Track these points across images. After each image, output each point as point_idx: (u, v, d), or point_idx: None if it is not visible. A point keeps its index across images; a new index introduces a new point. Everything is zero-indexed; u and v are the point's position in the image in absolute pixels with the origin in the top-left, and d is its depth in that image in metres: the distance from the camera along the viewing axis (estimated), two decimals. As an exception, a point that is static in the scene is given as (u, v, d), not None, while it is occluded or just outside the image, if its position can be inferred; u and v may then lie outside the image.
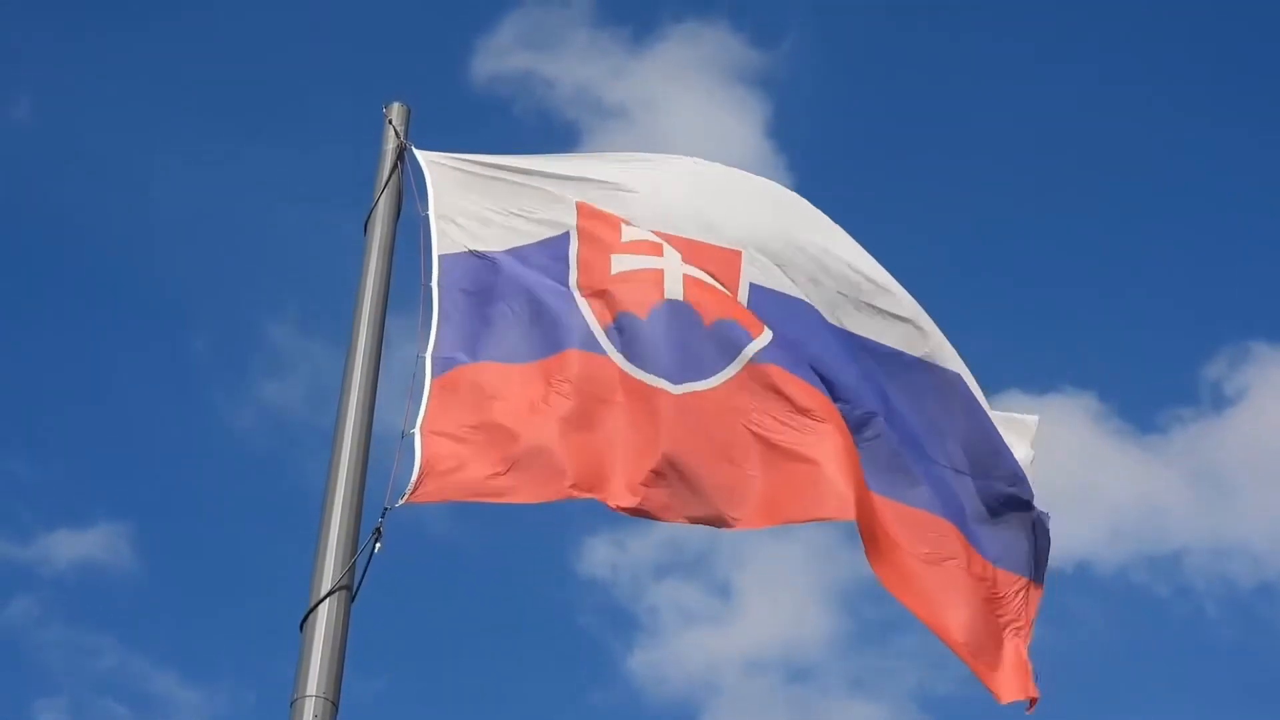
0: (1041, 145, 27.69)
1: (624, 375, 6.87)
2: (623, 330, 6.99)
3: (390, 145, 7.51)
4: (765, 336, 7.14)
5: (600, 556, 24.15)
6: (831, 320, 7.50)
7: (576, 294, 7.10)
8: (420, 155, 7.49)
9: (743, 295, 7.37)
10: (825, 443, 6.87)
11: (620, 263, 7.24)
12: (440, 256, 7.08)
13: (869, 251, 7.78)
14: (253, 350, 25.52)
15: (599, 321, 7.00)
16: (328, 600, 6.01)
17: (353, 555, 6.15)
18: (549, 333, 6.93)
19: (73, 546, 23.82)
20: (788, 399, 6.97)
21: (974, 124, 27.78)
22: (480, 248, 7.23)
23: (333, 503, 6.28)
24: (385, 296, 7.03)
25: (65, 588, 23.48)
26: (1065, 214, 27.83)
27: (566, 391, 6.74)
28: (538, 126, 25.78)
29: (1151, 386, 27.46)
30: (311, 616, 6.00)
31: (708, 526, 6.71)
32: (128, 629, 23.12)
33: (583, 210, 7.43)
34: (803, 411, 6.97)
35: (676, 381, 6.88)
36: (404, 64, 24.57)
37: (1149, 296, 27.51)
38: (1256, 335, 26.09)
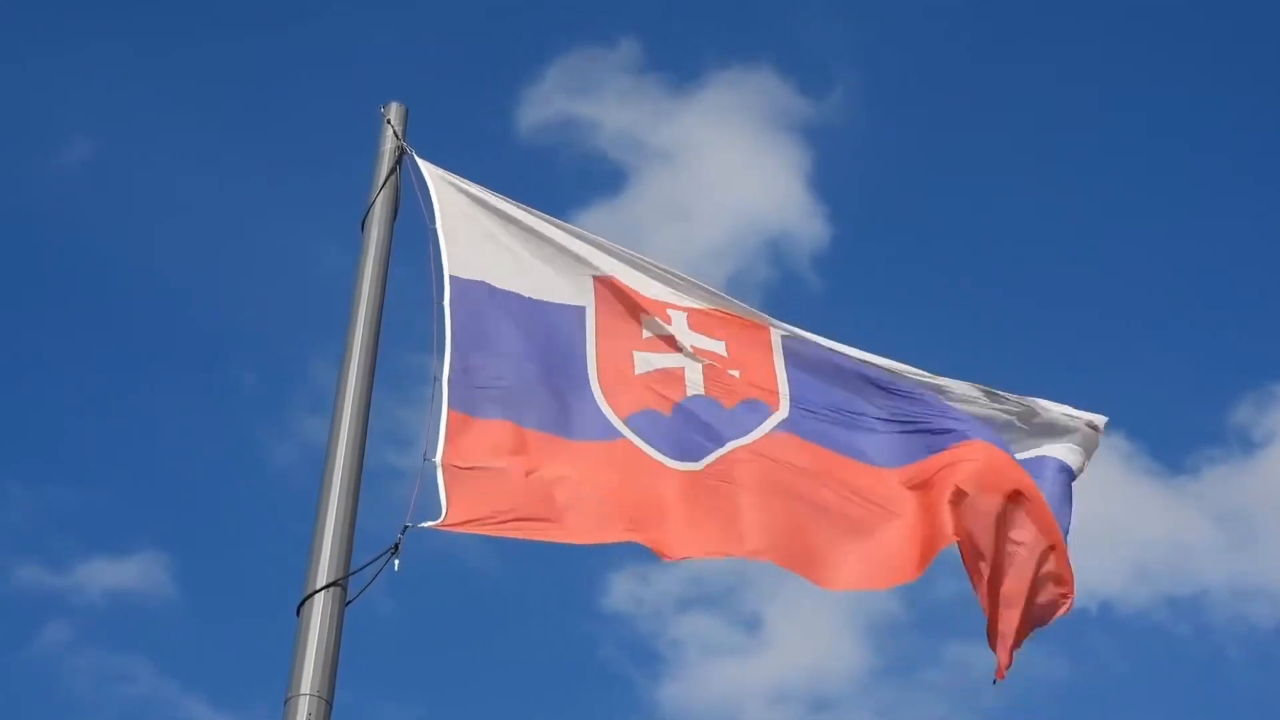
0: (1080, 195, 27.73)
1: (644, 456, 6.87)
2: (643, 424, 6.99)
3: (389, 145, 7.42)
4: (783, 410, 7.22)
5: (624, 591, 24.21)
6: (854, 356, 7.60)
7: (596, 389, 7.07)
8: (424, 166, 7.42)
9: (777, 357, 7.46)
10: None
11: (644, 361, 7.23)
12: (451, 278, 7.02)
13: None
14: (296, 386, 25.74)
15: (618, 415, 6.99)
16: (321, 595, 5.93)
17: (347, 552, 6.09)
18: (569, 413, 6.91)
19: (109, 575, 24.04)
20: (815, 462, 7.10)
21: (1015, 178, 27.82)
22: (491, 280, 7.18)
23: (328, 496, 6.24)
24: (381, 297, 6.97)
25: (98, 615, 23.68)
26: (1097, 259, 27.81)
27: (585, 466, 6.74)
28: (582, 170, 26.01)
29: (1181, 427, 27.34)
30: (306, 613, 5.93)
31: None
32: (162, 656, 23.27)
33: (599, 291, 7.40)
34: (822, 476, 7.09)
35: (698, 459, 6.92)
36: (451, 107, 24.75)
37: (1179, 337, 27.44)
38: (1282, 377, 25.90)
